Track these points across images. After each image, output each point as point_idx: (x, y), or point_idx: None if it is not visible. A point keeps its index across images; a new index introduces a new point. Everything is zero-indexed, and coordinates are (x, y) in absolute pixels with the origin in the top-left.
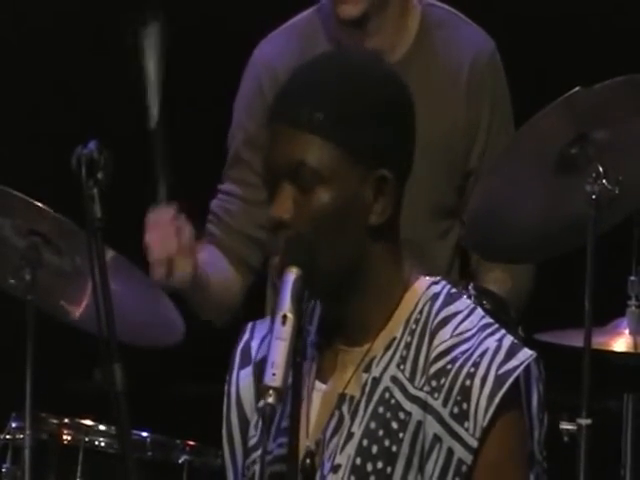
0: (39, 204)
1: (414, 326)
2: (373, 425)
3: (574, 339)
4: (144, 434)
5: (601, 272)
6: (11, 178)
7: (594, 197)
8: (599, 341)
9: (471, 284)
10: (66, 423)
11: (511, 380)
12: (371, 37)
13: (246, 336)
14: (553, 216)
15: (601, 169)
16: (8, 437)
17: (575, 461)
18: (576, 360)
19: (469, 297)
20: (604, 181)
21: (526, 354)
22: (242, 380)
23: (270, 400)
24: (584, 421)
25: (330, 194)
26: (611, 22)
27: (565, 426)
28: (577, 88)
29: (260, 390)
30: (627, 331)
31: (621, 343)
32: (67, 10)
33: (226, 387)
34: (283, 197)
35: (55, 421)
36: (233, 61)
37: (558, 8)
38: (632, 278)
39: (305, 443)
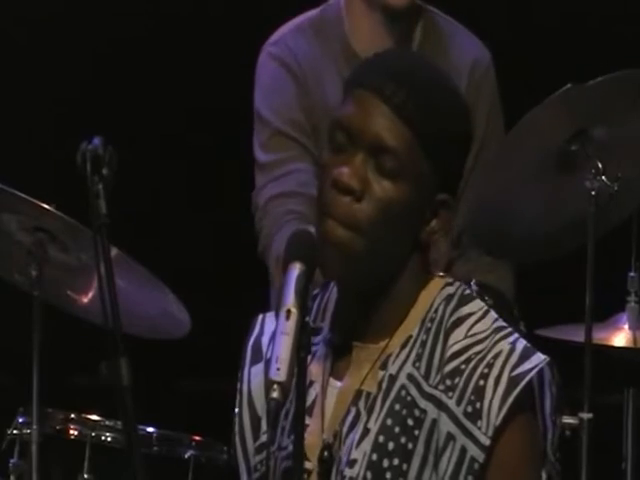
0: (44, 205)
1: (429, 324)
2: (389, 422)
3: (575, 334)
4: (150, 429)
5: (601, 268)
6: (15, 174)
7: (593, 194)
8: (599, 336)
9: (473, 280)
10: (73, 418)
11: (524, 382)
12: (402, 38)
13: (256, 331)
14: (553, 213)
15: (600, 166)
16: (15, 432)
17: (577, 454)
18: (577, 355)
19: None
20: (603, 177)
21: (539, 358)
22: (253, 377)
23: (275, 395)
24: (586, 415)
25: (403, 192)
26: (609, 21)
27: (567, 420)
28: (568, 85)
29: (265, 385)
30: (627, 326)
31: (621, 338)
32: (70, 7)
33: (238, 384)
34: (357, 165)
35: (62, 416)
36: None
37: (554, 7)
38: (631, 274)
39: (322, 437)
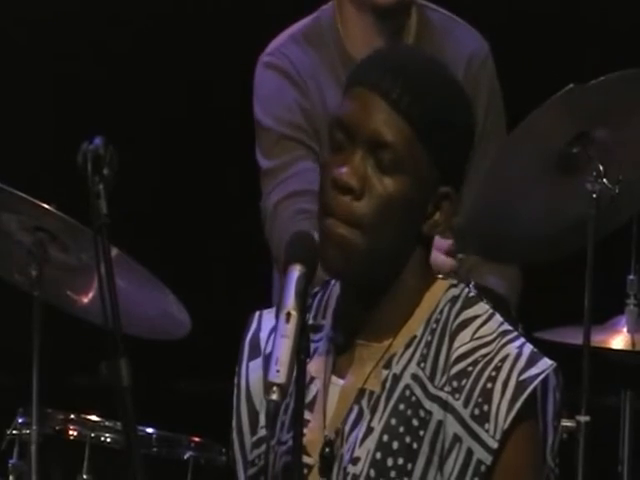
0: (44, 205)
1: (434, 325)
2: (394, 421)
3: (573, 337)
4: (149, 430)
5: (600, 270)
6: (15, 174)
7: (594, 196)
8: (598, 339)
9: (472, 282)
10: (72, 419)
11: (532, 387)
12: (389, 36)
13: (254, 326)
14: (554, 216)
15: (601, 168)
16: (15, 432)
17: (574, 457)
18: (575, 358)
19: None
20: (604, 180)
21: (546, 363)
22: (252, 372)
23: (274, 397)
24: (583, 418)
25: (403, 187)
26: (607, 20)
27: (564, 423)
28: (571, 85)
29: (264, 386)
30: (625, 329)
31: (619, 341)
32: (70, 7)
33: (236, 379)
34: (357, 163)
35: (61, 417)
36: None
37: (554, 6)
38: (631, 277)
39: (323, 433)
